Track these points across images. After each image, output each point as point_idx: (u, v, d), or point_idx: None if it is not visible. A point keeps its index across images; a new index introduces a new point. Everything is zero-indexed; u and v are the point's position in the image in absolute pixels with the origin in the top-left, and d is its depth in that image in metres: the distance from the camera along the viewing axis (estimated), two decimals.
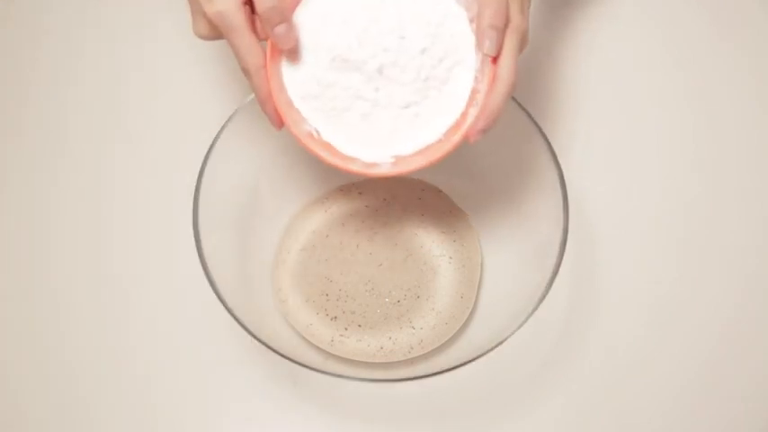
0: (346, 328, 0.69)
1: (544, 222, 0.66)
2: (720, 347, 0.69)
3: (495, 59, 0.57)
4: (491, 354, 0.60)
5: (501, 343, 0.60)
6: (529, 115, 0.65)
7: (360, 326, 0.69)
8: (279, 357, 0.60)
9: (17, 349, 0.70)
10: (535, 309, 0.61)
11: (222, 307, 0.61)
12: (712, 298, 0.71)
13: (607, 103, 0.79)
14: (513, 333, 0.60)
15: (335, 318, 0.69)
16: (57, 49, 0.83)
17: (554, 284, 0.61)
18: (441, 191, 0.75)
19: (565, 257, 0.62)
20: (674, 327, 0.70)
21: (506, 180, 0.70)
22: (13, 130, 0.79)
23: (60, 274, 0.73)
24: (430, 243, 0.73)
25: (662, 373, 0.68)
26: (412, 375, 0.63)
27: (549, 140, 0.65)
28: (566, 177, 0.64)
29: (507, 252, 0.70)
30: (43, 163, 0.77)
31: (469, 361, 0.60)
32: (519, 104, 0.65)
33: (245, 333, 0.60)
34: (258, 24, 0.57)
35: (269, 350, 0.60)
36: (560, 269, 0.62)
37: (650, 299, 0.71)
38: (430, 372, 0.62)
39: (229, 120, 0.66)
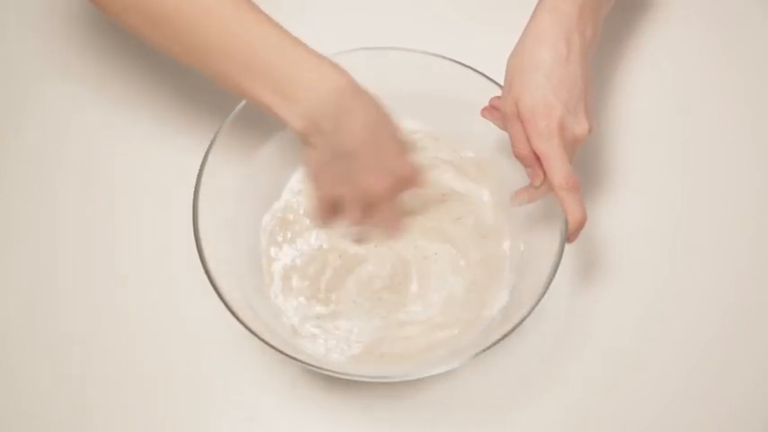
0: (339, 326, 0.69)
1: (544, 222, 0.67)
2: (719, 347, 0.69)
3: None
4: (491, 354, 0.60)
5: (498, 342, 0.60)
6: None
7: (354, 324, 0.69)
8: (279, 357, 0.60)
9: (17, 348, 0.70)
10: (533, 309, 0.61)
11: (223, 307, 0.61)
12: (712, 298, 0.71)
13: (605, 102, 0.79)
14: (511, 332, 0.60)
15: (333, 315, 0.69)
16: (57, 48, 0.83)
17: (554, 285, 0.62)
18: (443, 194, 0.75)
19: (564, 258, 0.63)
20: (673, 327, 0.70)
21: (505, 179, 0.70)
22: (12, 129, 0.79)
23: (60, 276, 0.73)
24: (427, 245, 0.72)
25: (661, 374, 0.68)
26: (411, 375, 0.63)
27: None
28: None
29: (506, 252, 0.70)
30: (43, 160, 0.77)
31: (468, 360, 0.60)
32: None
33: (245, 333, 0.61)
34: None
35: (269, 350, 0.60)
36: (559, 270, 0.62)
37: (649, 299, 0.71)
38: (428, 371, 0.62)
39: (222, 126, 0.68)
